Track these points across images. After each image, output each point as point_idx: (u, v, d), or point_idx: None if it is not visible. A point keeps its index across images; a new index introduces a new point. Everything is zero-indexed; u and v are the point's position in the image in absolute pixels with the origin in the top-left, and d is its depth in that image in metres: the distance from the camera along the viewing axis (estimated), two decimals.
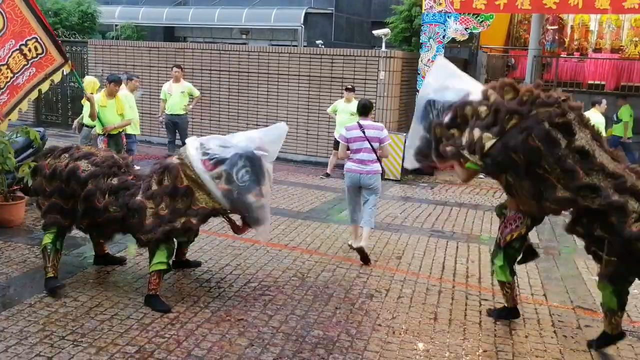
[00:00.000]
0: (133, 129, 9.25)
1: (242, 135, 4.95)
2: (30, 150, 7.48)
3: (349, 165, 6.18)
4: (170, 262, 4.84)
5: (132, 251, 5.88)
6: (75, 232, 6.50)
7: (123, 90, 9.05)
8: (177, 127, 10.51)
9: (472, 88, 4.44)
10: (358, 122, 6.22)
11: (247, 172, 4.66)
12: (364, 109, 6.26)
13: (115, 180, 4.84)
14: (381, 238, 6.88)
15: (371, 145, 6.06)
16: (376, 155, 6.11)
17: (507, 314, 4.78)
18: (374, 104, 10.86)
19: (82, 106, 9.08)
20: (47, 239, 4.98)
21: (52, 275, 4.92)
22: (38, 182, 5.01)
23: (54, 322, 4.36)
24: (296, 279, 5.44)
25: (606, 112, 9.72)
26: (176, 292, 5.01)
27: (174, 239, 4.85)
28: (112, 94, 7.90)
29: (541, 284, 5.58)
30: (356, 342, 4.29)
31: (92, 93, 8.54)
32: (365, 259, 5.93)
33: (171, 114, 10.42)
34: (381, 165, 6.22)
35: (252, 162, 4.70)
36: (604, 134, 8.90)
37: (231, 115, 12.67)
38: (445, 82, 4.55)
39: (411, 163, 4.91)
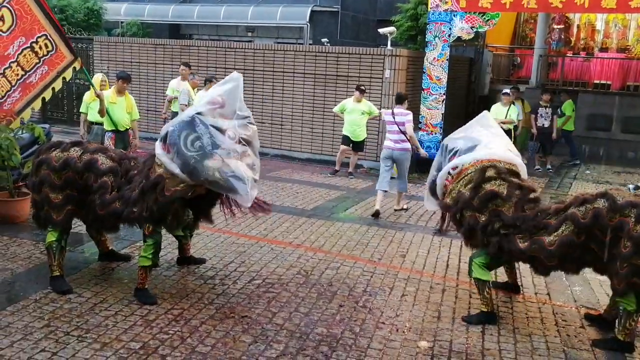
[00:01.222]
0: None
1: (196, 100, 4.80)
2: (36, 147, 7.52)
3: (385, 142, 7.93)
4: (156, 258, 4.82)
5: None
6: (81, 229, 6.54)
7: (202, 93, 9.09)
8: None
9: (483, 138, 4.99)
10: (392, 109, 7.92)
11: (196, 138, 4.35)
12: (399, 99, 8.00)
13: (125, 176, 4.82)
14: (385, 236, 6.88)
15: (399, 128, 7.68)
16: (405, 136, 7.71)
17: (487, 318, 4.69)
18: (379, 103, 10.87)
19: (89, 104, 9.06)
20: (52, 236, 4.93)
21: (58, 273, 4.93)
22: (44, 174, 4.81)
23: (59, 317, 4.39)
24: (300, 277, 5.45)
25: None
26: (180, 289, 5.03)
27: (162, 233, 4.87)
28: (121, 91, 7.91)
29: (545, 283, 5.57)
30: (359, 339, 4.30)
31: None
32: (401, 209, 8.05)
33: (177, 112, 10.43)
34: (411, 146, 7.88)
35: (191, 125, 4.40)
36: None
37: None
38: (465, 132, 5.19)
39: (427, 202, 5.57)
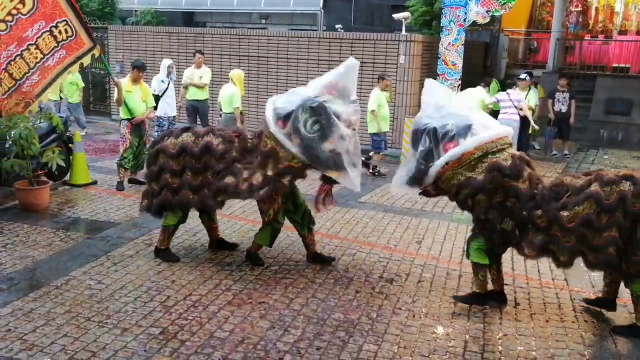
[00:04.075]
0: (384, 126, 9.44)
1: (311, 83, 4.92)
2: (54, 136, 7.61)
3: (501, 117, 9.73)
4: (271, 240, 5.29)
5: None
6: (99, 216, 6.63)
7: (376, 90, 9.26)
8: (197, 113, 10.57)
9: (471, 116, 4.58)
10: (507, 92, 10.35)
11: (314, 122, 4.67)
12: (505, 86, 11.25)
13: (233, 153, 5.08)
14: (401, 223, 6.88)
15: (514, 105, 10.04)
16: (519, 112, 10.00)
17: (478, 300, 4.68)
18: (394, 89, 10.80)
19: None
20: (172, 220, 5.32)
21: (165, 247, 5.41)
22: (163, 162, 5.12)
23: (80, 303, 4.46)
24: (316, 263, 5.47)
25: None
26: (198, 275, 5.08)
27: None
28: (136, 80, 7.93)
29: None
30: (376, 325, 4.31)
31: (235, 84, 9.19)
32: None
33: (192, 99, 10.47)
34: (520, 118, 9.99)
35: (315, 111, 4.68)
36: None
37: (250, 100, 12.68)
38: (440, 109, 4.63)
39: (399, 186, 4.94)
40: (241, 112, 9.47)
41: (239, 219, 6.71)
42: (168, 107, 9.36)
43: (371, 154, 9.62)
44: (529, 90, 10.88)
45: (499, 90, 12.50)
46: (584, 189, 4.21)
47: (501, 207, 4.37)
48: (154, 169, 5.24)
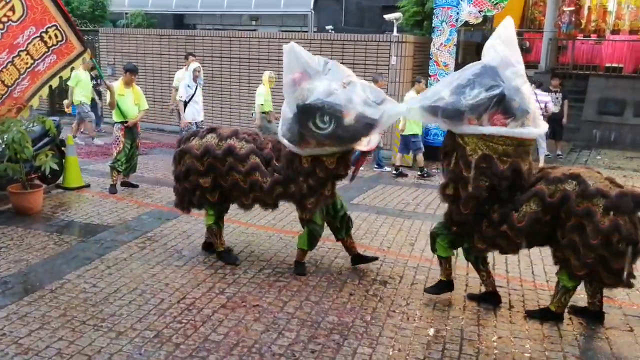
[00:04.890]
0: (417, 128, 9.57)
1: (285, 98, 4.95)
2: (47, 140, 7.58)
3: None
4: (312, 244, 5.26)
5: None
6: (93, 219, 6.61)
7: (411, 93, 9.26)
8: None
9: (532, 103, 4.33)
10: (535, 92, 9.41)
11: (320, 116, 4.60)
12: (539, 85, 10.48)
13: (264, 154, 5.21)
14: (394, 225, 6.90)
15: (539, 105, 9.31)
16: (543, 111, 9.36)
17: (446, 286, 4.84)
18: (386, 90, 10.82)
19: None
20: (210, 219, 5.41)
21: (222, 249, 5.51)
22: (189, 163, 5.18)
23: (75, 307, 4.45)
24: (310, 266, 5.47)
25: None
26: (192, 279, 5.07)
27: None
28: (129, 83, 7.91)
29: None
30: (371, 327, 4.33)
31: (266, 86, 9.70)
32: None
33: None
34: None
35: (309, 111, 4.64)
36: None
37: (242, 101, 12.69)
38: (516, 69, 4.29)
39: (416, 107, 4.55)
40: (268, 112, 9.78)
41: (231, 222, 6.70)
42: (196, 113, 9.32)
43: (409, 153, 9.96)
44: None
45: None
46: (532, 187, 4.31)
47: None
48: (180, 169, 5.31)
